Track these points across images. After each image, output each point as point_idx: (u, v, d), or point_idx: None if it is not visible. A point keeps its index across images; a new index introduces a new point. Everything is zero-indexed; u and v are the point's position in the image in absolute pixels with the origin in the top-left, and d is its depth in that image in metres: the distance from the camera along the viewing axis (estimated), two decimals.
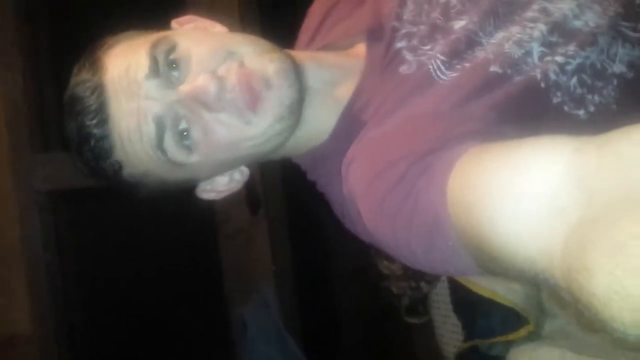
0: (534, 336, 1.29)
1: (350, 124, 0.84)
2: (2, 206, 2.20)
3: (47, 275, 2.27)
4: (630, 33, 0.77)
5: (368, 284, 2.24)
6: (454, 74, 0.78)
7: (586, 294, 0.47)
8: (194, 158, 0.81)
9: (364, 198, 0.77)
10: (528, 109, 0.73)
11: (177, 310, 2.44)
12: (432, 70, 0.79)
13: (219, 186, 0.90)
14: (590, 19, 0.78)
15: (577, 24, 0.78)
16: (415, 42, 0.84)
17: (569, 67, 0.74)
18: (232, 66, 0.79)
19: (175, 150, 0.80)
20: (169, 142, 0.80)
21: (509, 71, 0.75)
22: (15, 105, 2.18)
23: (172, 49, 0.80)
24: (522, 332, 1.29)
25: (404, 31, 0.86)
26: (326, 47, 0.95)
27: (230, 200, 0.97)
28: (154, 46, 0.80)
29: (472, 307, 1.39)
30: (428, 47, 0.82)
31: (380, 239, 0.75)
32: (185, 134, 0.80)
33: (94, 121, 0.80)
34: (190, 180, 0.88)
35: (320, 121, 0.87)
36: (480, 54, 0.78)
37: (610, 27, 0.77)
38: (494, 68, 0.75)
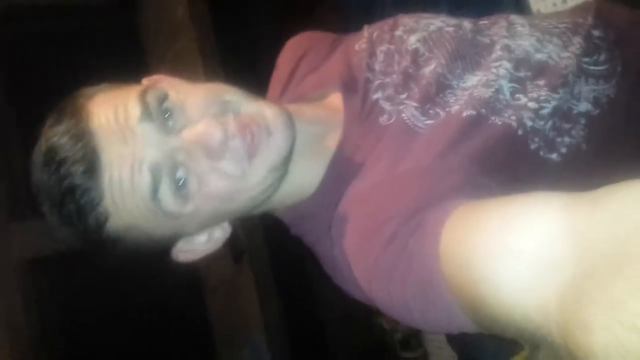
0: None
1: (337, 178, 0.83)
2: None
3: (30, 343, 2.22)
4: (592, 67, 0.78)
5: (360, 323, 2.22)
6: (429, 121, 0.78)
7: (584, 350, 0.46)
8: (188, 208, 0.77)
9: (356, 261, 0.75)
10: (507, 158, 0.73)
11: None
12: (406, 119, 0.79)
13: (198, 245, 0.85)
14: (552, 51, 0.80)
15: (540, 56, 0.80)
16: (390, 91, 0.84)
17: (544, 112, 0.75)
18: (229, 112, 0.77)
19: (171, 200, 0.75)
20: (165, 191, 0.75)
21: (483, 111, 0.75)
22: None
23: (163, 97, 0.77)
24: (518, 359, 1.28)
25: (377, 82, 0.86)
26: (300, 99, 0.94)
27: (212, 253, 0.93)
28: (144, 93, 0.76)
29: (465, 338, 1.38)
30: (404, 95, 0.82)
31: (376, 299, 0.73)
32: (181, 182, 0.76)
33: (81, 170, 0.73)
34: (175, 235, 0.82)
35: (305, 175, 0.85)
36: (451, 99, 0.79)
37: (575, 65, 0.78)
38: (467, 112, 0.75)
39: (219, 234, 0.86)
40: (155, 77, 0.86)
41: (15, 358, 2.17)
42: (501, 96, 0.76)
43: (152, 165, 0.74)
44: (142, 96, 0.76)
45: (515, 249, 0.55)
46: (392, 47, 0.89)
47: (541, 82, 0.77)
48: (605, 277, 0.47)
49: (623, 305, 0.45)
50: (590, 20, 0.83)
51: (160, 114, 0.76)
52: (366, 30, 0.95)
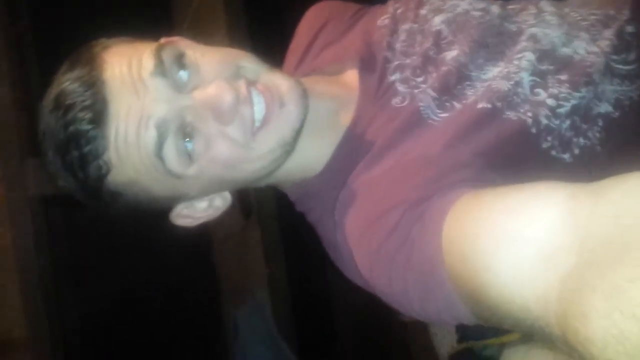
0: (527, 338, 1.29)
1: (345, 158, 0.82)
2: None
3: (40, 280, 2.26)
4: (620, 66, 0.75)
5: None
6: (445, 114, 0.77)
7: (582, 339, 0.46)
8: (192, 170, 0.76)
9: (359, 247, 0.75)
10: (516, 155, 0.72)
11: (171, 312, 2.44)
12: (422, 108, 0.78)
13: (197, 212, 0.84)
14: (579, 47, 0.78)
15: (566, 51, 0.77)
16: (407, 73, 0.82)
17: (562, 110, 0.73)
18: (243, 80, 0.76)
19: (175, 159, 0.74)
20: (170, 149, 0.73)
21: (498, 104, 0.74)
22: (5, 111, 2.18)
23: (179, 54, 0.75)
24: (516, 334, 1.29)
25: (396, 63, 0.84)
26: (315, 73, 0.92)
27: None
28: (160, 48, 0.75)
29: None
30: (421, 79, 0.81)
31: (376, 286, 0.73)
32: (187, 143, 0.74)
33: (88, 117, 0.72)
34: (175, 197, 0.81)
35: (313, 152, 0.84)
36: (469, 91, 0.78)
37: (602, 62, 0.75)
38: (482, 105, 0.74)
39: (220, 202, 0.85)
40: (174, 38, 0.85)
41: (24, 292, 2.22)
42: (520, 90, 0.75)
43: (160, 120, 0.73)
44: (158, 51, 0.75)
45: (518, 238, 0.56)
46: (416, 26, 0.87)
47: (563, 78, 0.75)
48: (606, 265, 0.48)
49: (623, 293, 0.45)
50: (625, 13, 0.79)
51: (174, 71, 0.75)
52: (391, 5, 0.93)
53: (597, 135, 0.72)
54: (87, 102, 0.72)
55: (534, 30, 0.80)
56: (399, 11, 0.91)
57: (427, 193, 0.69)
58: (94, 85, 0.73)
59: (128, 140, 0.73)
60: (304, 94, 0.78)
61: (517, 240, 0.55)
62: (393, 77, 0.83)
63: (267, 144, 0.77)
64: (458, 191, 0.66)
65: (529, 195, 0.58)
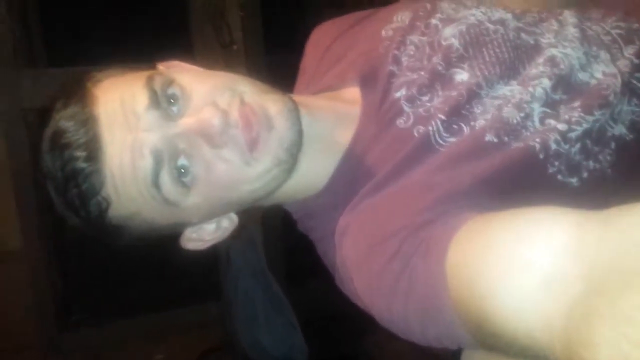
0: None
1: (346, 179, 0.81)
2: None
3: (36, 191, 2.27)
4: None
5: None
6: (452, 139, 0.74)
7: None
8: (190, 198, 0.76)
9: (359, 271, 0.75)
10: (521, 181, 0.70)
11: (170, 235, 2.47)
12: (431, 134, 0.75)
13: (206, 234, 0.85)
14: (596, 70, 0.74)
15: (583, 76, 0.74)
16: (413, 91, 0.79)
17: (573, 134, 0.70)
18: (234, 101, 0.75)
19: (172, 187, 0.75)
20: (165, 178, 0.74)
21: (505, 139, 0.72)
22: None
23: (169, 82, 0.75)
24: None
25: (402, 79, 0.80)
26: (322, 90, 0.90)
27: None
28: (151, 79, 0.75)
29: None
30: (427, 97, 0.78)
31: (375, 311, 0.74)
32: (183, 170, 0.75)
33: (84, 155, 0.73)
34: (180, 224, 0.82)
35: (315, 170, 0.83)
36: (477, 109, 0.75)
37: (621, 82, 0.72)
38: (489, 137, 0.72)
39: (227, 224, 0.85)
40: (170, 63, 0.83)
41: (19, 204, 2.23)
42: (529, 123, 0.72)
43: (154, 149, 0.73)
44: (149, 83, 0.74)
45: (524, 265, 0.55)
46: (425, 38, 0.82)
47: (576, 104, 0.72)
48: (614, 293, 0.47)
49: (631, 320, 0.45)
50: None
51: (166, 100, 0.74)
52: (398, 12, 0.87)
53: (609, 158, 0.70)
54: (82, 140, 0.73)
55: (553, 51, 0.75)
56: (407, 20, 0.86)
57: (429, 218, 0.69)
58: (87, 123, 0.74)
59: (124, 173, 0.74)
60: (295, 115, 0.77)
61: (523, 267, 0.55)
62: (398, 94, 0.80)
63: (263, 164, 0.76)
64: (462, 217, 0.66)
65: (536, 222, 0.58)
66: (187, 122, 0.74)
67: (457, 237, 0.63)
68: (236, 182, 0.77)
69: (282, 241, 2.27)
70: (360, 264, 0.75)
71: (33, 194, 2.26)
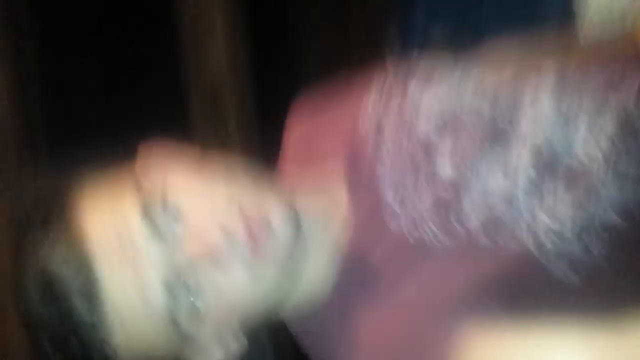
0: None
1: (343, 290, 0.80)
2: None
3: None
4: (625, 168, 0.69)
5: None
6: (447, 242, 0.73)
7: None
8: (207, 326, 0.73)
9: None
10: (519, 285, 0.69)
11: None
12: (427, 238, 0.74)
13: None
14: (580, 153, 0.71)
15: (567, 160, 0.71)
16: (402, 192, 0.78)
17: (565, 230, 0.68)
18: (236, 218, 0.72)
19: (188, 320, 0.71)
20: (181, 311, 0.70)
21: (500, 242, 0.71)
22: None
23: (165, 204, 0.72)
24: None
25: (388, 180, 0.80)
26: (307, 186, 0.87)
27: None
28: (146, 207, 0.71)
29: None
30: (416, 199, 0.77)
31: None
32: (192, 300, 0.71)
33: (85, 306, 0.68)
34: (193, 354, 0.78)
35: (314, 277, 0.80)
36: (467, 205, 0.74)
37: (604, 167, 0.69)
38: (483, 239, 0.71)
39: (235, 346, 0.81)
40: (154, 153, 0.80)
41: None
42: (520, 218, 0.71)
43: (165, 284, 0.70)
44: (145, 211, 0.71)
45: None
46: (402, 134, 0.81)
47: (563, 193, 0.70)
48: None
49: None
50: (636, 85, 0.70)
51: (165, 225, 0.71)
52: (371, 100, 0.86)
53: (603, 251, 0.66)
54: (80, 288, 0.69)
55: (534, 140, 0.73)
56: (380, 111, 0.85)
57: (427, 342, 0.70)
58: (83, 266, 0.69)
59: (136, 314, 0.70)
60: (297, 222, 0.75)
61: None
62: (387, 197, 0.79)
63: (268, 275, 0.74)
64: (462, 336, 0.67)
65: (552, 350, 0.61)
66: (192, 248, 0.71)
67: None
68: (248, 300, 0.75)
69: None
70: None
71: None
